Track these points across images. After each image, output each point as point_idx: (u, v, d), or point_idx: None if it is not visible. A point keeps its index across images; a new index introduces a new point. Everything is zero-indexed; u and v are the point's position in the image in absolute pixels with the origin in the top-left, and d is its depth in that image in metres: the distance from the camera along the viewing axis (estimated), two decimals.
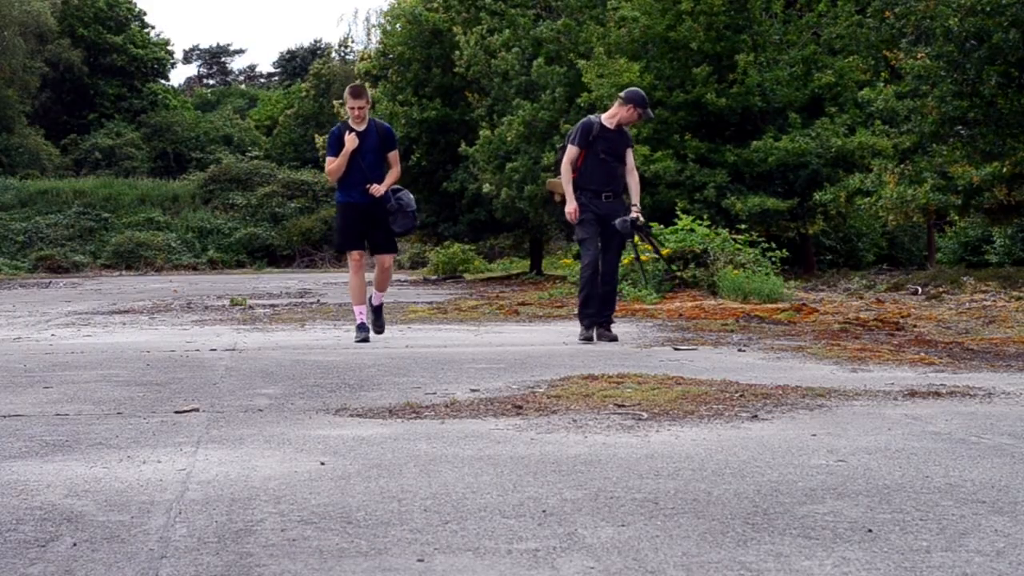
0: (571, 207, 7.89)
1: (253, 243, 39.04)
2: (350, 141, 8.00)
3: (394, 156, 8.24)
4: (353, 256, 8.21)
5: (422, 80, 24.22)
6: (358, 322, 8.07)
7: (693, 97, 17.26)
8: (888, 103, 14.47)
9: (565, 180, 7.97)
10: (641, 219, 8.00)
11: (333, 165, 8.09)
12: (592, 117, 8.13)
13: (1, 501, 2.93)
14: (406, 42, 24.10)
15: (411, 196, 8.23)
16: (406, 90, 24.26)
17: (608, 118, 8.04)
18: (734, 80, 17.36)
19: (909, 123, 14.30)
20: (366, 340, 7.92)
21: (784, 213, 16.77)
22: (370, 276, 8.36)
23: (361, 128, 8.11)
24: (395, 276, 29.77)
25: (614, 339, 7.76)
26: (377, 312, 8.28)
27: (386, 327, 8.42)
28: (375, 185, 7.99)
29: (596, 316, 7.89)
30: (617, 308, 11.17)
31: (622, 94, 8.13)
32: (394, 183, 8.17)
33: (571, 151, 7.99)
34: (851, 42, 17.12)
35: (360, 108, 8.07)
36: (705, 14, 17.13)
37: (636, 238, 8.99)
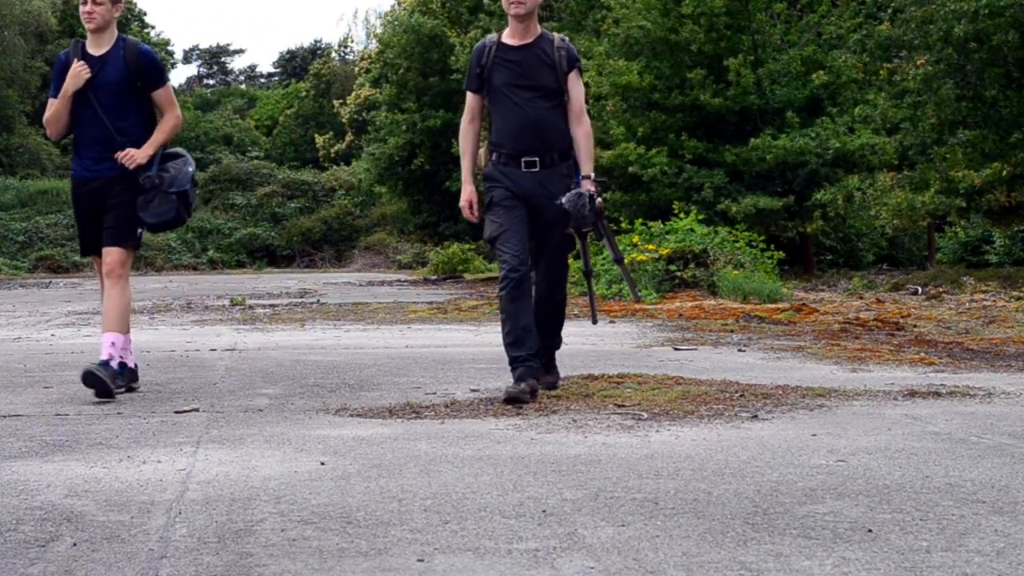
0: (463, 197, 4.94)
1: (253, 243, 39.06)
2: (75, 73, 4.96)
3: (163, 96, 5.11)
4: (96, 264, 5.30)
5: (422, 88, 24.25)
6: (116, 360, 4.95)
7: (691, 99, 17.26)
8: (888, 115, 14.47)
9: (462, 151, 5.06)
10: (598, 198, 4.81)
11: (50, 111, 5.07)
12: (489, 36, 5.05)
13: (1, 501, 2.93)
14: (405, 51, 24.08)
15: (189, 168, 5.13)
16: (408, 97, 24.32)
17: (510, 32, 4.92)
18: (730, 81, 17.37)
19: (910, 129, 14.31)
20: (104, 391, 4.78)
21: (780, 212, 16.75)
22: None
23: (100, 51, 5.03)
24: (395, 276, 29.62)
25: (553, 385, 4.96)
26: (104, 367, 4.87)
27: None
28: (130, 150, 4.96)
29: (530, 358, 4.71)
30: (617, 308, 11.16)
31: None
32: (166, 142, 5.10)
33: (467, 102, 5.03)
34: (853, 44, 17.13)
35: (97, 5, 4.96)
36: (706, 15, 17.12)
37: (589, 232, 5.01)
